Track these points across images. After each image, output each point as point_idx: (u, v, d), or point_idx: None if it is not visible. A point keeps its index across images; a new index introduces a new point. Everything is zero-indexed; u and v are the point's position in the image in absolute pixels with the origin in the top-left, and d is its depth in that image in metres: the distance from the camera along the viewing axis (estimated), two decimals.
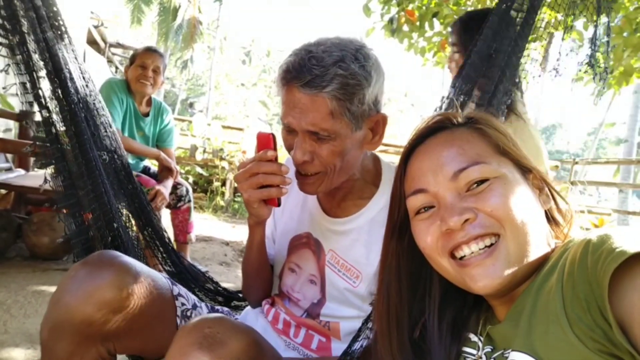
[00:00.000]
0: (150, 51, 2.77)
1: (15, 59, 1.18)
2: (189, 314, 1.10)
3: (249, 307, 1.29)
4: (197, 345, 0.76)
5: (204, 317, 0.84)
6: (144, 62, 2.69)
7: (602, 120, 16.79)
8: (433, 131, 0.74)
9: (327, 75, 0.88)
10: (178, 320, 1.07)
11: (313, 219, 1.14)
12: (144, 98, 2.80)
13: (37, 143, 1.22)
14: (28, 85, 1.19)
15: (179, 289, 1.13)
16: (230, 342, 0.77)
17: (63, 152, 1.21)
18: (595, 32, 1.52)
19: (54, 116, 1.22)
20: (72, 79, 1.30)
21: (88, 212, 1.23)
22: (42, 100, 1.20)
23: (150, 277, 1.02)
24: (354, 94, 0.91)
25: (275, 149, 0.98)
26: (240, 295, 1.48)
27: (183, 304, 1.10)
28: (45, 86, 1.21)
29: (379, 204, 1.06)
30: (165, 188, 2.67)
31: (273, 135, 0.99)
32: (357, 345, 0.97)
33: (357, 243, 1.06)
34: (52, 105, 1.22)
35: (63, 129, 1.23)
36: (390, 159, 1.52)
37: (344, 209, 1.09)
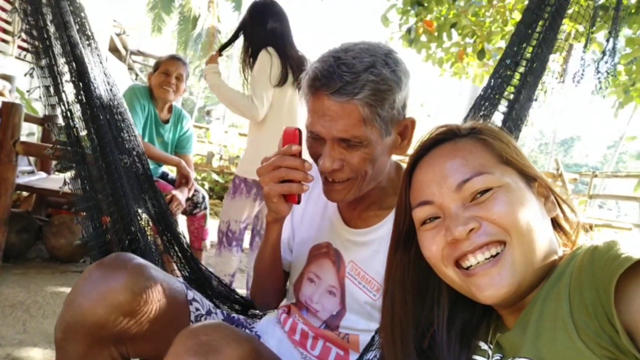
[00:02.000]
0: (174, 59, 2.83)
1: (39, 62, 1.19)
2: (202, 319, 1.09)
3: (266, 317, 1.26)
4: (193, 352, 0.75)
5: (202, 324, 0.83)
6: (167, 69, 2.75)
7: (622, 133, 16.50)
8: (437, 142, 0.75)
9: (359, 81, 0.87)
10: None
11: (333, 229, 1.11)
12: (166, 105, 2.85)
13: (58, 146, 1.23)
14: (51, 88, 1.20)
15: (193, 294, 1.11)
16: (226, 349, 0.76)
17: (83, 155, 1.21)
18: (610, 42, 1.50)
19: (76, 119, 1.23)
20: (95, 83, 1.31)
21: (106, 215, 1.23)
22: (65, 103, 1.21)
23: (165, 280, 1.01)
24: (385, 100, 0.90)
25: (300, 143, 0.96)
26: None
27: (197, 309, 1.09)
28: (68, 90, 1.22)
29: None
30: (182, 194, 2.70)
31: (299, 130, 0.97)
32: (370, 355, 0.95)
33: (379, 254, 1.02)
34: (75, 108, 1.23)
35: (84, 132, 1.23)
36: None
37: (365, 220, 1.07)
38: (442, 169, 0.70)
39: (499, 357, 0.69)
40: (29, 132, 4.93)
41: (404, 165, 1.10)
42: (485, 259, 0.65)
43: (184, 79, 2.81)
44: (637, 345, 0.49)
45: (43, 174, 3.57)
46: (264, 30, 2.32)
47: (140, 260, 1.00)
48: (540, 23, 1.22)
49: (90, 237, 1.19)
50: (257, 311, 1.39)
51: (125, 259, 0.98)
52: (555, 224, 0.72)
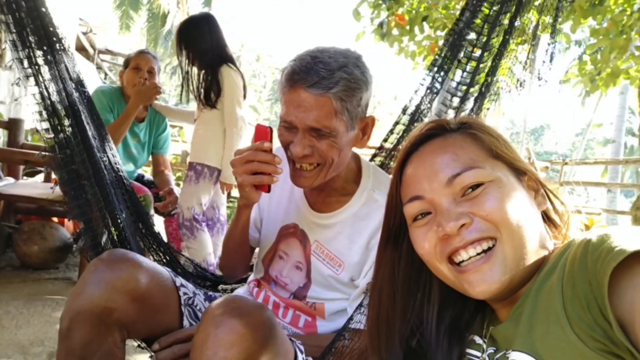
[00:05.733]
0: (143, 53, 2.78)
1: (25, 71, 1.23)
2: (190, 301, 1.20)
3: (237, 290, 1.41)
4: (228, 314, 0.83)
5: (226, 297, 0.92)
6: (138, 64, 2.69)
7: (589, 121, 16.99)
8: (427, 138, 0.75)
9: (333, 78, 1.00)
10: (182, 308, 1.16)
11: (300, 212, 1.25)
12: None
13: (47, 151, 1.27)
14: (38, 95, 1.24)
15: (180, 280, 1.21)
16: (254, 312, 0.86)
17: (72, 157, 1.26)
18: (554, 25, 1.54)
19: (64, 123, 1.28)
20: (75, 87, 1.37)
21: (96, 210, 1.28)
22: (51, 108, 1.26)
23: (157, 270, 1.12)
24: (354, 96, 1.03)
25: (271, 141, 1.08)
26: None
27: (185, 293, 1.19)
28: (54, 96, 1.26)
29: (361, 200, 1.18)
30: (173, 187, 2.81)
31: (271, 128, 1.09)
32: (349, 326, 1.06)
33: (341, 235, 1.18)
34: (62, 113, 1.28)
35: (70, 134, 1.28)
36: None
37: (329, 205, 1.20)
38: (433, 164, 0.70)
39: (492, 350, 0.69)
40: None
41: (362, 156, 1.24)
42: (477, 253, 0.65)
43: (156, 73, 2.76)
44: (629, 337, 0.50)
45: (11, 179, 3.45)
46: (209, 44, 2.54)
47: (134, 253, 1.10)
48: (485, 8, 1.27)
49: (84, 232, 1.24)
50: (226, 286, 1.56)
51: (122, 253, 1.08)
52: (545, 217, 0.73)
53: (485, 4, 1.28)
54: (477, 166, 0.68)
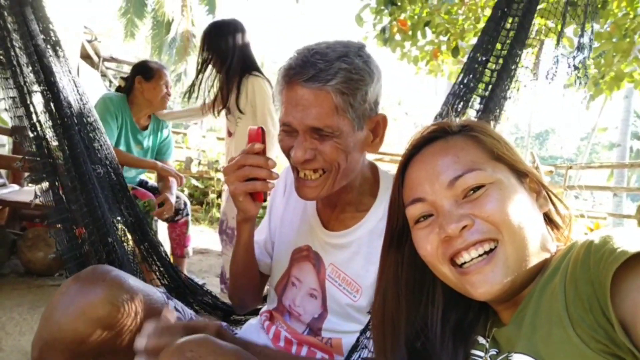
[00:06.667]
0: (166, 69, 2.86)
1: (5, 73, 1.16)
2: None
3: (249, 322, 1.27)
4: None
5: (186, 340, 0.78)
6: (167, 82, 2.79)
7: (594, 125, 16.88)
8: (429, 141, 0.75)
9: (332, 69, 0.88)
10: None
11: (312, 232, 1.12)
12: (149, 112, 2.82)
13: (27, 158, 1.20)
14: (17, 99, 1.17)
15: (175, 303, 1.11)
16: None
17: (55, 166, 1.18)
18: (580, 38, 1.54)
19: (46, 130, 1.21)
20: (64, 92, 1.29)
21: (81, 226, 1.20)
22: (33, 114, 1.19)
23: (145, 291, 1.00)
24: (357, 89, 0.91)
25: (263, 142, 0.96)
26: None
27: (179, 319, 1.07)
28: (36, 100, 1.19)
29: (378, 215, 1.04)
30: (172, 195, 2.75)
31: (262, 129, 0.98)
32: (355, 356, 0.97)
33: (357, 256, 1.04)
34: (44, 119, 1.20)
35: (55, 143, 1.21)
36: (386, 167, 1.53)
37: (343, 222, 1.07)
38: (434, 166, 0.71)
39: (495, 352, 0.69)
40: None
41: (379, 165, 1.13)
42: (479, 255, 0.65)
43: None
44: (631, 338, 0.49)
45: (15, 187, 3.47)
46: (231, 51, 2.45)
47: (118, 271, 0.98)
48: (509, 20, 1.24)
49: (65, 249, 1.16)
50: (240, 317, 1.40)
51: (103, 271, 0.96)
52: (548, 219, 0.73)
53: (509, 18, 1.22)
54: (479, 168, 0.68)
